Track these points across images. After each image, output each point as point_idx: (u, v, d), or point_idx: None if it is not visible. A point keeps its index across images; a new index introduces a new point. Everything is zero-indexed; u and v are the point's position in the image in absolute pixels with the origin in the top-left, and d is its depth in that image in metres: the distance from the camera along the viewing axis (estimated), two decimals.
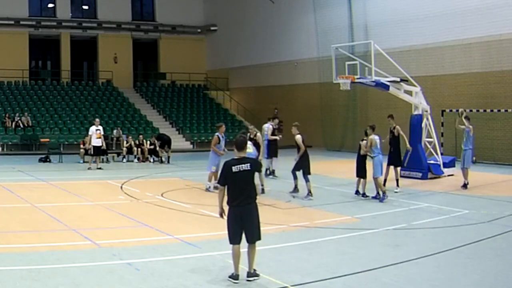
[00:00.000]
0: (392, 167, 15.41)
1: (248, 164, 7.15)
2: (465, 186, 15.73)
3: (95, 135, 20.89)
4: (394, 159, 15.46)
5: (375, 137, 13.78)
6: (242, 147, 7.33)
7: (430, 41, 24.75)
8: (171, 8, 38.77)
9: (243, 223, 7.11)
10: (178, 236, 9.64)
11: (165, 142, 24.52)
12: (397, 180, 15.27)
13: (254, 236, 7.17)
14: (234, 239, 7.13)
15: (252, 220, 7.16)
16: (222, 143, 15.33)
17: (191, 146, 32.17)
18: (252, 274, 7.18)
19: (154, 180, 18.20)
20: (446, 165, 18.78)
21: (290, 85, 33.52)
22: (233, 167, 7.13)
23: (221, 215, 7.32)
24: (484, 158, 23.00)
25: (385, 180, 15.32)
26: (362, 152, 13.93)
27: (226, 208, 7.27)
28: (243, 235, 7.16)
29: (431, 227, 10.85)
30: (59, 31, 36.46)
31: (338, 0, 29.49)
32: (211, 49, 40.70)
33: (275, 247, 8.87)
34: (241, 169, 7.11)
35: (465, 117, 16.06)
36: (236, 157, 7.30)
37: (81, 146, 23.86)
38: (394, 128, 15.60)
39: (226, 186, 7.21)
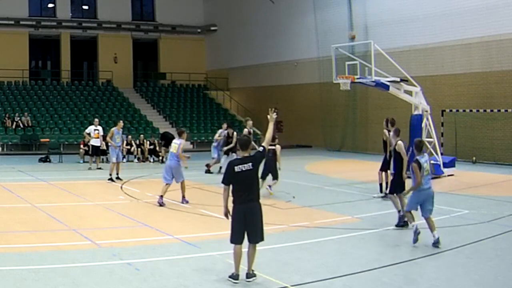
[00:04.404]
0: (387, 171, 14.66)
1: (250, 164, 7.16)
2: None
3: (94, 135, 20.92)
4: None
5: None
6: (246, 146, 7.34)
7: (430, 41, 24.76)
8: (171, 8, 38.76)
9: (247, 223, 7.10)
10: (178, 236, 9.64)
11: (170, 140, 24.42)
12: (387, 183, 14.64)
13: (257, 236, 7.17)
14: (237, 239, 7.14)
15: (256, 220, 7.16)
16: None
17: (191, 146, 32.16)
18: (251, 274, 7.19)
19: (154, 180, 18.18)
20: (446, 165, 18.77)
21: (290, 85, 33.52)
22: (235, 167, 7.14)
23: (226, 215, 7.31)
24: (484, 158, 23.02)
25: (380, 185, 14.97)
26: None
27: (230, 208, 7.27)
28: (245, 236, 7.17)
29: None
30: (59, 31, 36.45)
31: (338, 0, 29.50)
32: (211, 49, 40.71)
33: (275, 247, 8.87)
34: (243, 169, 7.12)
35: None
36: (239, 157, 7.35)
37: (81, 146, 23.87)
38: (389, 132, 15.10)
39: (230, 186, 7.21)
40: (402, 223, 10.52)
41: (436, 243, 9.05)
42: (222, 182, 7.27)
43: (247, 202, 7.12)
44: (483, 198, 14.47)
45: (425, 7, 24.96)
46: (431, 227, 9.20)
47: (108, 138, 18.18)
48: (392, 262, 8.20)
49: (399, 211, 10.71)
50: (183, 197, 13.27)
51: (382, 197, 13.85)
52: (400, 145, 11.22)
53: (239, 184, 7.15)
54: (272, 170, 14.32)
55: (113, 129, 18.22)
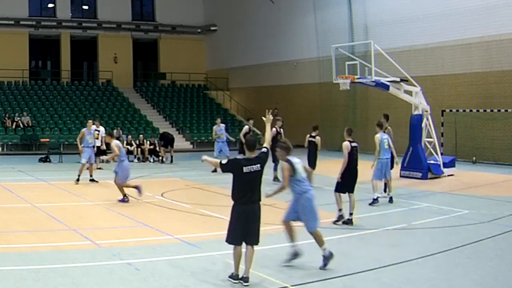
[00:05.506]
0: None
1: (258, 165, 7.14)
2: (376, 200, 13.22)
3: (94, 135, 20.84)
4: (392, 163, 14.40)
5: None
6: (254, 147, 7.29)
7: (430, 41, 24.75)
8: (171, 8, 38.76)
9: (247, 223, 7.07)
10: (178, 236, 9.64)
11: (169, 141, 24.42)
12: (385, 184, 14.33)
13: (254, 238, 7.15)
14: (234, 239, 7.10)
15: (255, 221, 7.14)
16: None
17: (191, 146, 32.18)
18: (246, 279, 7.01)
19: (154, 180, 18.18)
20: (446, 165, 18.78)
21: (290, 85, 33.52)
22: (244, 168, 7.07)
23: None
24: (484, 158, 23.03)
25: (385, 185, 14.86)
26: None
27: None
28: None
29: (431, 227, 10.85)
30: (59, 31, 36.45)
31: (338, 0, 29.51)
32: (211, 49, 40.71)
33: (275, 247, 8.85)
34: (252, 170, 7.09)
35: (378, 125, 14.31)
36: (246, 157, 7.25)
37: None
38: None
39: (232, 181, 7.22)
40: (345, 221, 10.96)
41: (325, 260, 7.76)
42: (221, 167, 7.24)
43: (250, 204, 7.10)
44: (483, 198, 14.47)
45: (425, 7, 24.95)
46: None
47: (78, 139, 17.60)
48: (392, 262, 8.19)
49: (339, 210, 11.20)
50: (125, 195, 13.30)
51: (385, 197, 13.80)
52: (343, 145, 11.29)
53: (245, 184, 7.09)
54: (311, 159, 15.93)
55: (84, 130, 17.75)
